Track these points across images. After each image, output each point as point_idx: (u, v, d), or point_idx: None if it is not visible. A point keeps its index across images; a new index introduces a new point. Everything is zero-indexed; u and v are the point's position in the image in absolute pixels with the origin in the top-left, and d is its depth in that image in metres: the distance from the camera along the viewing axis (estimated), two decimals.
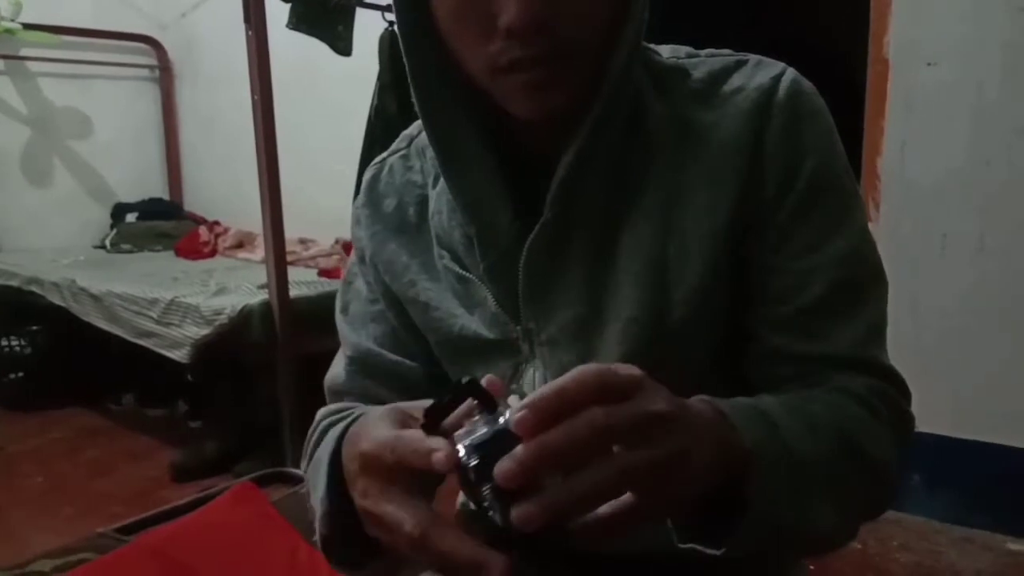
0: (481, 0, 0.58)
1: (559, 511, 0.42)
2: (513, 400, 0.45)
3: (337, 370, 0.80)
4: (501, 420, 0.44)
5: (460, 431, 0.45)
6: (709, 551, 0.53)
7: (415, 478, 0.48)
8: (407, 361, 0.77)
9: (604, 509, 0.44)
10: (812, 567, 0.90)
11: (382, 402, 0.55)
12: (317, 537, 0.61)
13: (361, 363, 0.78)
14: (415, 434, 0.48)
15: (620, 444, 0.44)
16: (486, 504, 0.44)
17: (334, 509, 0.58)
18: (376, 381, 0.77)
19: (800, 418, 0.56)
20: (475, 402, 0.46)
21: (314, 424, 0.71)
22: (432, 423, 0.48)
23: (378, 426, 0.50)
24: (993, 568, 1.94)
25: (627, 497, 0.44)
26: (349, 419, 0.61)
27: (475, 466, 0.43)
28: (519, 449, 0.41)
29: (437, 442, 0.45)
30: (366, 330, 0.79)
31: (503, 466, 0.41)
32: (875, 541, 2.06)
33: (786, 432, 0.54)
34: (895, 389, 0.66)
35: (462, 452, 0.44)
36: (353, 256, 0.82)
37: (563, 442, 0.41)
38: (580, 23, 0.59)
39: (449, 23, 0.61)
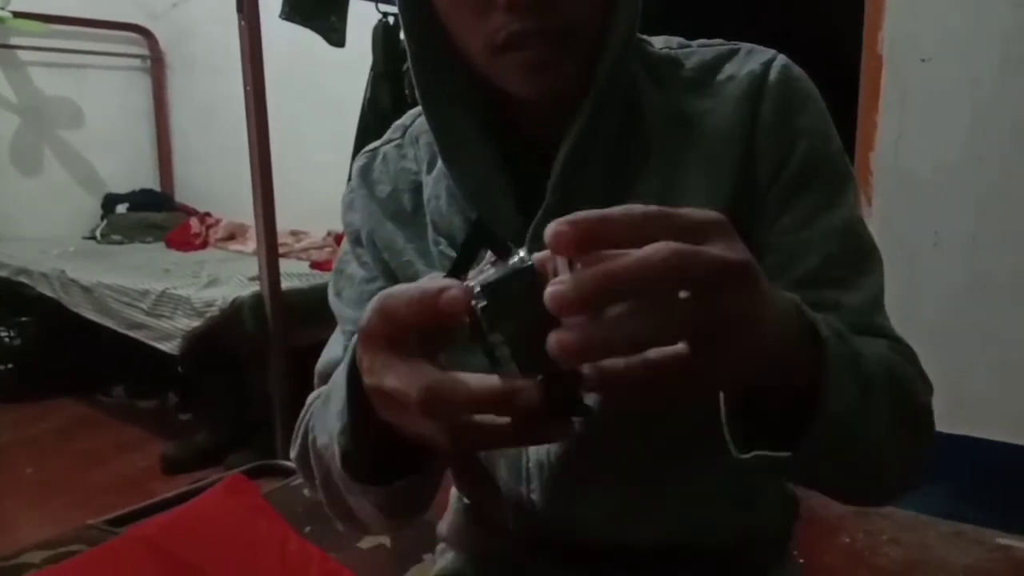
0: None
1: (604, 346, 0.35)
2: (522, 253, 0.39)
3: (332, 352, 0.77)
4: (521, 255, 0.38)
5: (470, 275, 0.40)
6: (778, 454, 0.48)
7: (418, 342, 0.43)
8: None
9: (651, 354, 0.37)
10: (802, 561, 0.90)
11: None
12: (337, 459, 0.55)
13: None
14: (403, 287, 0.43)
15: (689, 290, 0.36)
16: (496, 355, 0.38)
17: (355, 421, 0.53)
18: None
19: (864, 344, 0.53)
20: (488, 252, 0.41)
21: (304, 408, 0.70)
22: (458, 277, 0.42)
23: (377, 298, 0.45)
24: (982, 562, 1.95)
25: (680, 347, 0.37)
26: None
27: (485, 308, 0.37)
28: (576, 272, 0.35)
29: (446, 282, 0.40)
30: (363, 310, 0.77)
31: (555, 288, 0.35)
32: (864, 534, 2.07)
33: (854, 344, 0.51)
34: (913, 354, 0.66)
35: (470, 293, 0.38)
36: (345, 244, 0.81)
37: (629, 273, 0.34)
38: (579, 2, 0.59)
39: (448, 3, 0.61)
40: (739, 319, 0.38)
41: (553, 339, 0.35)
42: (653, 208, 0.36)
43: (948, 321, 2.11)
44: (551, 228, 0.35)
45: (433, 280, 0.41)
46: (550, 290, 0.35)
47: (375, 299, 0.44)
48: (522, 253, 0.38)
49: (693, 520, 0.71)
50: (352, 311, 0.77)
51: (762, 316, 0.40)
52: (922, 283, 2.12)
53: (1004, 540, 1.97)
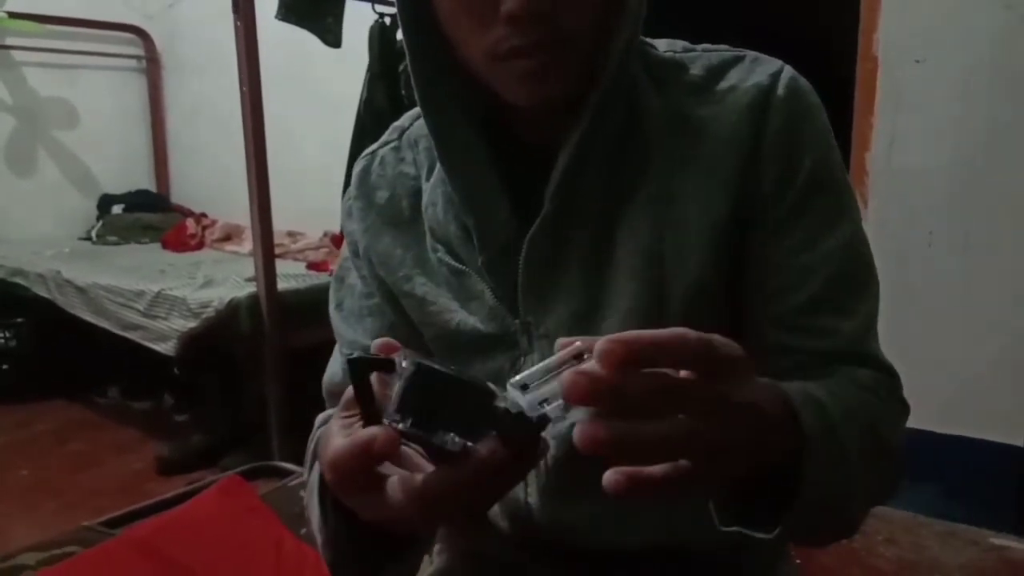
0: None
1: (624, 446, 0.38)
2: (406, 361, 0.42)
3: (334, 369, 0.79)
4: (403, 365, 0.41)
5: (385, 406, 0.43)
6: (758, 535, 0.51)
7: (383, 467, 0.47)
8: None
9: (661, 468, 0.41)
10: (799, 561, 0.90)
11: None
12: (326, 562, 0.60)
13: None
14: (342, 446, 0.46)
15: (695, 416, 0.40)
16: (449, 447, 0.41)
17: (336, 530, 0.57)
18: None
19: (840, 404, 0.55)
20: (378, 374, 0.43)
21: (313, 432, 0.70)
22: (369, 413, 0.45)
23: (329, 446, 0.48)
24: (976, 562, 1.96)
25: (683, 463, 0.41)
26: None
27: (412, 424, 0.41)
28: (602, 383, 0.37)
29: (370, 432, 0.43)
30: (362, 326, 0.78)
31: (576, 379, 0.37)
32: (860, 535, 2.07)
33: (832, 416, 0.53)
34: (894, 381, 0.67)
35: (392, 424, 0.41)
36: (345, 250, 0.81)
37: (645, 389, 0.38)
38: (580, 12, 0.59)
39: (449, 10, 0.61)
40: (740, 445, 0.42)
41: (579, 429, 0.38)
42: (699, 340, 0.40)
43: (941, 321, 2.12)
44: (602, 345, 0.37)
45: (361, 434, 0.44)
46: (571, 378, 0.37)
47: (328, 460, 0.47)
48: (403, 362, 0.41)
49: (692, 522, 0.71)
50: (350, 331, 0.78)
51: (759, 440, 0.45)
52: (916, 283, 2.13)
53: (998, 540, 1.98)
